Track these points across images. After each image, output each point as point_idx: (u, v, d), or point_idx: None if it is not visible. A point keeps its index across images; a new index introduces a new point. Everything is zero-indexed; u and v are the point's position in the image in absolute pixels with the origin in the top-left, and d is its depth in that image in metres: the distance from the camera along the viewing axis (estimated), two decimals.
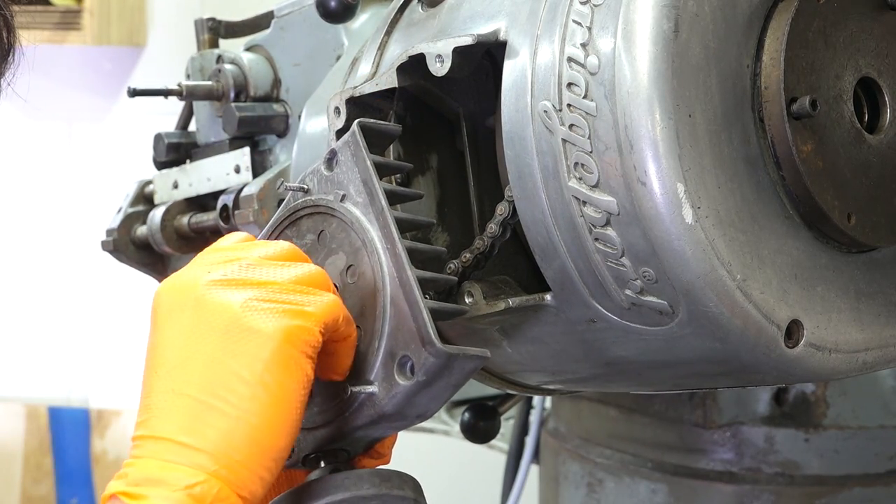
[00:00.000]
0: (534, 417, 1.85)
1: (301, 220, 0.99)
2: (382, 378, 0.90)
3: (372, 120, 0.99)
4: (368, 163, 0.94)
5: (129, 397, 3.60)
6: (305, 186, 0.99)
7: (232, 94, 1.43)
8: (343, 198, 0.95)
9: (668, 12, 0.87)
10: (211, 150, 1.49)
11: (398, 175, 1.09)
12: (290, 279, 0.88)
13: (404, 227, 0.95)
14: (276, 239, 1.00)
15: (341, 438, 0.94)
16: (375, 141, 0.98)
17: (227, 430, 0.84)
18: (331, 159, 0.97)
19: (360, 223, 0.94)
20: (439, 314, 0.91)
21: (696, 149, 0.87)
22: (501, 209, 1.00)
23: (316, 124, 1.29)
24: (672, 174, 0.85)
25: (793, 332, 0.90)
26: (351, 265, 0.94)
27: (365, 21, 1.35)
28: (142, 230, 1.60)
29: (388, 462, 0.99)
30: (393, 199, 0.97)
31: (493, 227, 1.00)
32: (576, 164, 0.89)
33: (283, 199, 1.02)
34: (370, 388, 0.90)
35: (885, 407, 1.54)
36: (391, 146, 1.08)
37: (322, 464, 0.95)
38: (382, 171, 0.97)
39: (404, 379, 0.88)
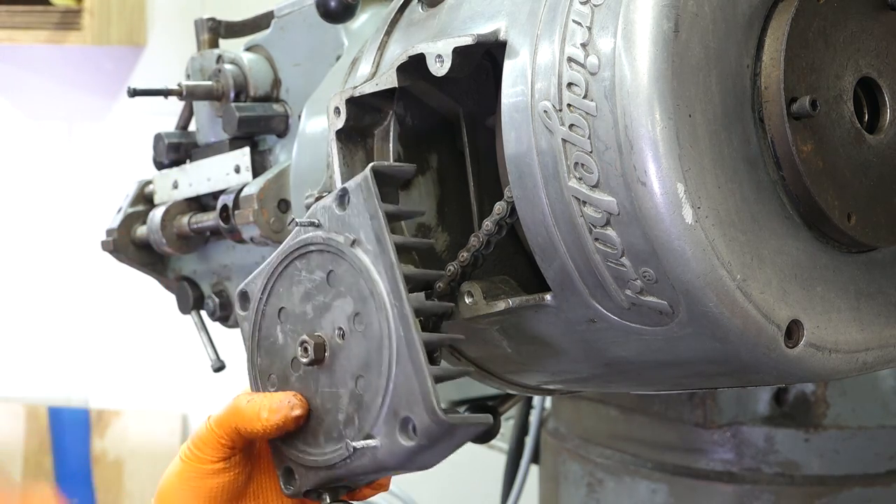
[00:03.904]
0: (534, 417, 1.85)
1: (311, 255, 0.99)
2: (385, 433, 0.92)
3: (386, 163, 0.99)
4: (381, 214, 0.94)
5: (129, 397, 3.60)
6: (316, 222, 0.99)
7: (232, 94, 1.43)
8: (354, 243, 0.95)
9: (668, 12, 0.87)
10: (211, 150, 1.49)
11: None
12: None
13: (413, 282, 0.96)
14: (284, 269, 1.01)
15: (342, 479, 0.97)
16: (388, 181, 0.98)
17: None
18: (342, 197, 0.97)
19: (369, 273, 0.94)
20: (443, 379, 0.92)
21: (696, 149, 0.86)
22: (499, 208, 1.00)
23: (316, 124, 1.29)
24: (672, 174, 0.85)
25: (793, 332, 0.90)
26: (358, 313, 0.94)
27: (365, 21, 1.35)
28: (142, 230, 1.60)
29: (386, 490, 1.04)
30: (403, 250, 0.97)
31: (489, 225, 1.00)
32: (576, 164, 0.89)
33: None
34: (372, 443, 0.92)
35: (885, 407, 1.54)
36: (391, 147, 1.08)
37: (326, 496, 0.99)
38: (395, 217, 0.97)
39: (406, 439, 0.90)
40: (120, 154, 3.50)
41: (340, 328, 0.95)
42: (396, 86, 1.04)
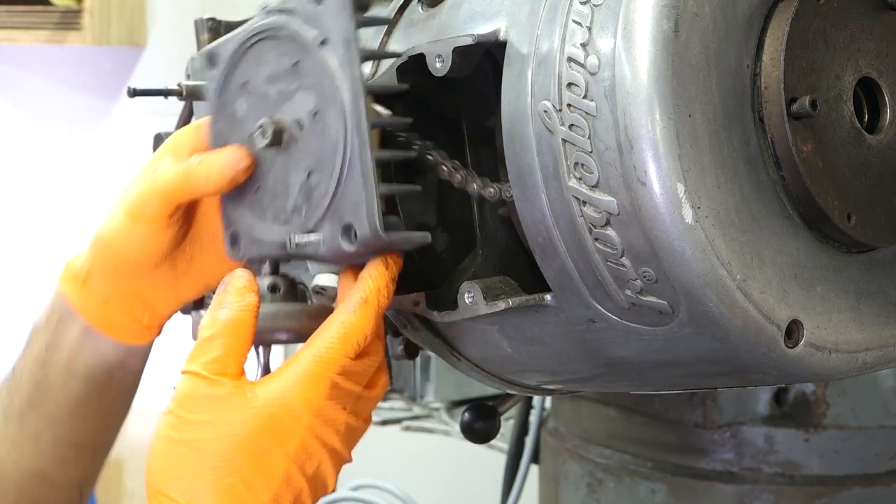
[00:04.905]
0: (534, 417, 1.85)
1: (281, 40, 1.00)
2: (328, 232, 0.96)
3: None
4: (352, 20, 0.94)
5: None
6: (288, 8, 0.99)
7: None
8: (323, 42, 0.96)
9: (668, 12, 0.87)
10: None
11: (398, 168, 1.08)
12: None
13: (375, 91, 0.99)
14: (253, 44, 1.02)
15: (283, 258, 1.05)
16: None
17: None
18: None
19: (332, 77, 0.95)
20: (389, 195, 0.98)
21: (696, 149, 0.87)
22: (491, 191, 1.01)
23: None
24: (672, 174, 0.85)
25: (793, 332, 0.90)
26: (318, 111, 0.96)
27: None
28: None
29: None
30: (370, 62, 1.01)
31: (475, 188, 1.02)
32: (576, 164, 0.89)
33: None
34: (314, 238, 0.97)
35: (885, 407, 1.54)
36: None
37: (267, 266, 1.07)
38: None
39: (348, 244, 0.95)
40: (120, 154, 3.50)
41: (300, 120, 0.98)
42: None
